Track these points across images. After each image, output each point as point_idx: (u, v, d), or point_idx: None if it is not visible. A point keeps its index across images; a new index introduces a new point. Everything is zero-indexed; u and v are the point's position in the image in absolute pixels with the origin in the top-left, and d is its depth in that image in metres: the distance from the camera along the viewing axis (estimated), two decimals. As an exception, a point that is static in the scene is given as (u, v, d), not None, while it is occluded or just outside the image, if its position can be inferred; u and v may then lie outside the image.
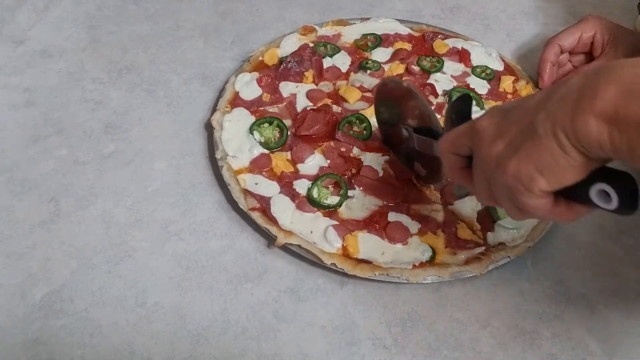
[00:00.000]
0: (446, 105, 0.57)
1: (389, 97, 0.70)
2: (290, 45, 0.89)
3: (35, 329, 0.59)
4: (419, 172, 0.72)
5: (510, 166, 0.42)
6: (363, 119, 0.78)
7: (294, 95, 0.82)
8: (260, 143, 0.75)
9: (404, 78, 0.86)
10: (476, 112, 0.81)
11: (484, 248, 0.67)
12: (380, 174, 0.73)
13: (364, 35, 0.92)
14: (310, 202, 0.69)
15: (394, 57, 0.89)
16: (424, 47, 0.92)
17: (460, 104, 0.57)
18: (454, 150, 0.52)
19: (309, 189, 0.70)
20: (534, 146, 0.40)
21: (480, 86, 0.86)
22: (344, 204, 0.70)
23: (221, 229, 0.69)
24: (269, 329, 0.61)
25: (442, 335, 0.62)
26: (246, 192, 0.69)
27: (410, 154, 0.71)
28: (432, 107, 0.82)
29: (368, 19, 0.95)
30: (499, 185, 0.45)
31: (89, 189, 0.72)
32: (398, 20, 0.95)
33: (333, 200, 0.70)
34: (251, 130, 0.76)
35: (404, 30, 0.94)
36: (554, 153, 0.39)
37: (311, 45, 0.88)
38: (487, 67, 0.89)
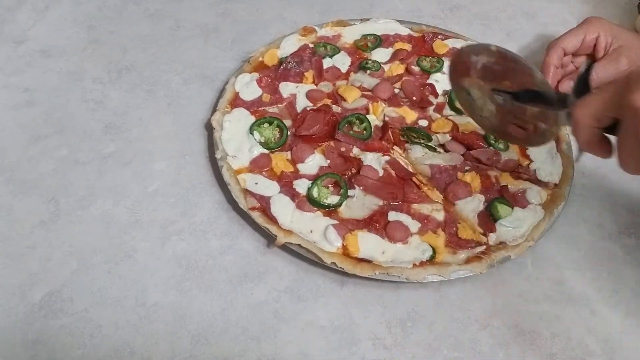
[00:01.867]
0: (578, 73, 0.59)
1: (474, 64, 0.65)
2: (290, 45, 0.89)
3: (35, 329, 0.59)
4: (516, 134, 0.67)
5: None
6: (363, 119, 0.78)
7: (294, 95, 0.82)
8: (260, 143, 0.75)
9: (404, 78, 0.86)
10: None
11: (484, 247, 0.67)
12: (380, 174, 0.73)
13: (364, 36, 0.92)
14: (310, 202, 0.69)
15: (393, 57, 0.89)
16: (423, 47, 0.92)
17: (586, 73, 0.58)
18: (596, 124, 0.51)
19: (309, 189, 0.70)
20: None
21: (480, 86, 0.86)
22: (344, 204, 0.70)
23: (221, 229, 0.69)
24: (269, 329, 0.61)
25: (442, 335, 0.62)
26: (246, 192, 0.69)
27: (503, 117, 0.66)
28: (432, 107, 0.82)
29: (368, 19, 0.95)
30: None
31: (89, 189, 0.72)
32: (398, 20, 0.95)
33: (333, 199, 0.70)
34: (251, 130, 0.76)
35: (403, 30, 0.94)
36: None
37: (311, 45, 0.88)
38: (487, 67, 0.88)
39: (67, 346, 0.58)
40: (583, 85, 0.58)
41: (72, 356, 0.58)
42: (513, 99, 0.62)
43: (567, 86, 0.84)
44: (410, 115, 0.81)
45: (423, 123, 0.80)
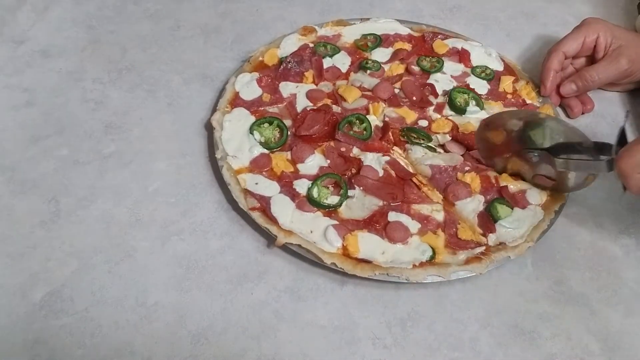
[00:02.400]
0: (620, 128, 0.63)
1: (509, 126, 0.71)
2: (290, 45, 0.89)
3: (35, 329, 0.59)
4: (543, 183, 0.72)
5: None
6: (363, 119, 0.78)
7: (294, 95, 0.82)
8: (260, 143, 0.75)
9: (403, 78, 0.86)
10: (477, 112, 0.82)
11: (484, 248, 0.67)
12: (380, 174, 0.73)
13: (364, 36, 0.92)
14: (310, 202, 0.69)
15: (393, 57, 0.89)
16: (423, 47, 0.92)
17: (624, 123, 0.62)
18: None
19: (309, 189, 0.70)
20: None
21: (480, 86, 0.86)
22: (344, 204, 0.70)
23: (221, 228, 0.69)
24: (269, 329, 0.61)
25: (442, 335, 0.62)
26: (246, 192, 0.69)
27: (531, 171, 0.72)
28: (432, 107, 0.82)
29: (368, 19, 0.95)
30: None
31: (89, 189, 0.72)
32: (398, 20, 0.95)
33: (333, 200, 0.70)
34: (251, 130, 0.76)
35: (403, 30, 0.94)
36: None
37: (311, 45, 0.88)
38: (487, 67, 0.89)
39: (68, 346, 0.58)
40: (622, 135, 0.61)
41: (73, 356, 0.58)
42: (550, 154, 0.67)
43: (569, 89, 0.84)
44: (410, 116, 0.81)
45: (423, 123, 0.80)
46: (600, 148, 0.64)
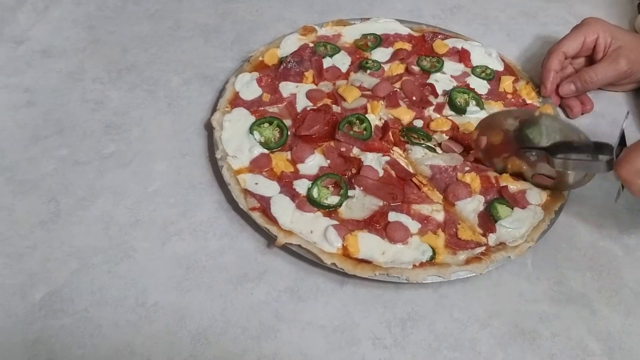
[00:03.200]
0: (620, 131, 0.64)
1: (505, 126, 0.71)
2: (290, 45, 0.89)
3: (35, 329, 0.59)
4: (543, 182, 0.72)
5: None
6: (363, 119, 0.78)
7: (294, 95, 0.82)
8: (260, 143, 0.75)
9: (403, 78, 0.86)
10: (477, 112, 0.82)
11: (484, 248, 0.67)
12: (381, 174, 0.73)
13: (364, 36, 0.92)
14: (310, 202, 0.69)
15: (393, 57, 0.89)
16: (423, 47, 0.92)
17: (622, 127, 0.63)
18: None
19: (309, 189, 0.70)
20: None
21: (480, 86, 0.86)
22: (344, 204, 0.70)
23: (221, 229, 0.69)
24: (269, 329, 0.61)
25: (442, 335, 0.62)
26: (246, 192, 0.69)
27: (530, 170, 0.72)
28: (432, 107, 0.82)
29: (368, 19, 0.95)
30: None
31: (89, 189, 0.72)
32: (398, 20, 0.95)
33: (333, 200, 0.70)
34: (251, 130, 0.76)
35: (403, 30, 0.94)
36: None
37: (311, 45, 0.88)
38: (487, 67, 0.89)
39: (67, 346, 0.58)
40: (622, 136, 0.63)
41: (73, 356, 0.58)
42: (547, 153, 0.67)
43: (568, 89, 0.84)
44: (406, 116, 0.81)
45: (418, 123, 0.80)
46: (600, 147, 0.64)
